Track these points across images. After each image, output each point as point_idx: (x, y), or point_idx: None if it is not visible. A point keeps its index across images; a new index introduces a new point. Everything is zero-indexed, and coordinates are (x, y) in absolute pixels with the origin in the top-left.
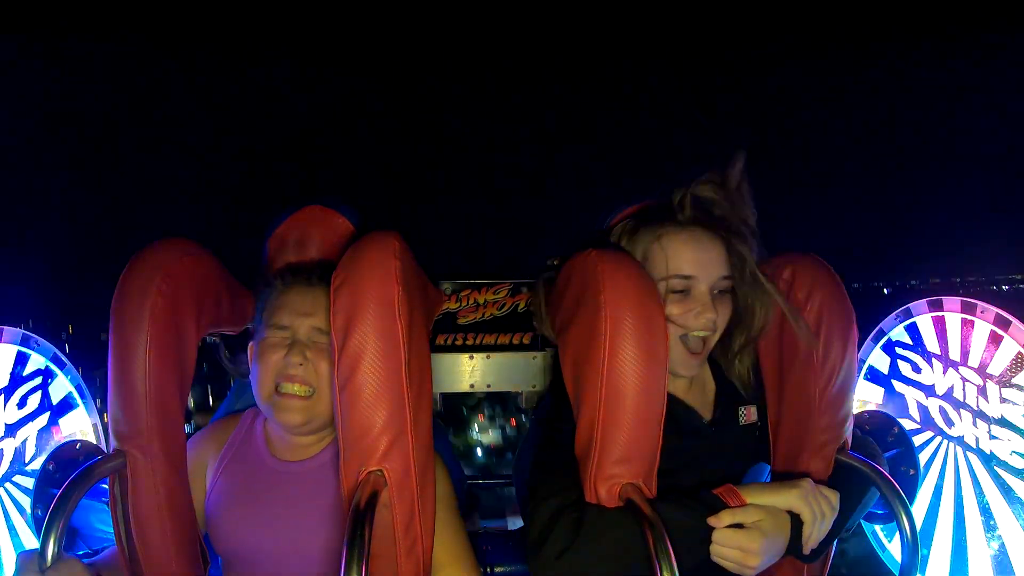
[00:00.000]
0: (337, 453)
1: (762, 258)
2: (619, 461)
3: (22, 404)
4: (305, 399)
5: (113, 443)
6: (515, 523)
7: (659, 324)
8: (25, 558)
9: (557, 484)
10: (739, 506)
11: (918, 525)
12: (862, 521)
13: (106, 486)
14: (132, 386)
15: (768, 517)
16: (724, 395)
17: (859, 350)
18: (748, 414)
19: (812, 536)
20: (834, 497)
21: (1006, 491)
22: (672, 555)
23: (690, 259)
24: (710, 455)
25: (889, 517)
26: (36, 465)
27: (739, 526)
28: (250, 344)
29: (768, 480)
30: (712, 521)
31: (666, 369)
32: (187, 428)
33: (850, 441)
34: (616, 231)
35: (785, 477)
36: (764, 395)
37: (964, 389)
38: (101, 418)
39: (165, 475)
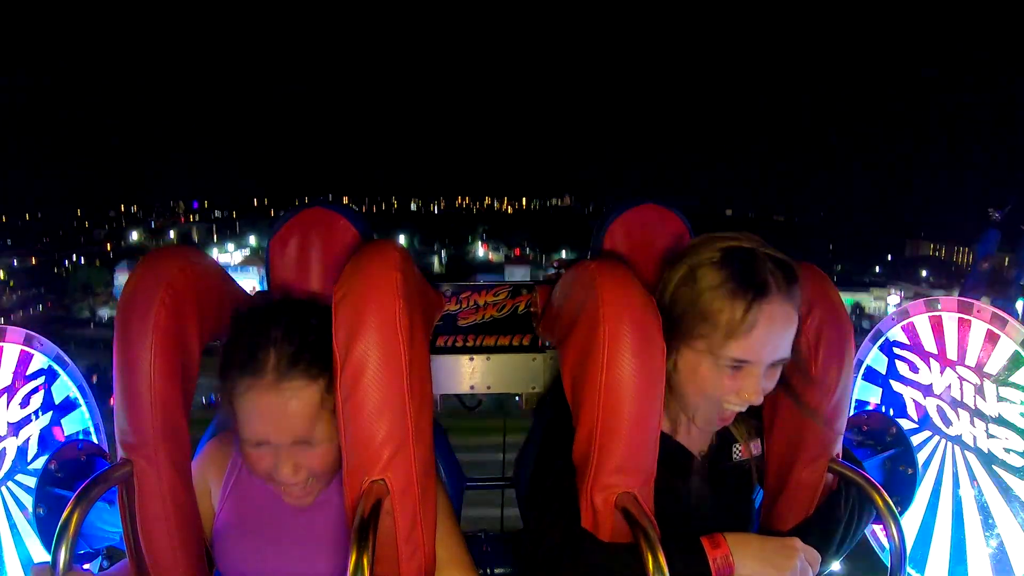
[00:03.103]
0: (340, 480)
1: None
2: (616, 471)
3: (25, 403)
4: (308, 493)
5: (120, 452)
6: (515, 525)
7: (656, 338)
8: (37, 572)
9: (558, 498)
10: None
11: (917, 525)
12: None
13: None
14: (137, 397)
15: None
16: (725, 431)
17: (857, 351)
18: (744, 450)
19: None
20: (816, 562)
21: (1004, 490)
22: (664, 565)
23: (760, 340)
24: (701, 491)
25: None
26: (38, 464)
27: None
28: (219, 397)
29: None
30: None
31: (663, 384)
32: None
33: (841, 452)
34: (677, 275)
35: (781, 477)
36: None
37: (962, 388)
38: (104, 418)
39: (171, 483)
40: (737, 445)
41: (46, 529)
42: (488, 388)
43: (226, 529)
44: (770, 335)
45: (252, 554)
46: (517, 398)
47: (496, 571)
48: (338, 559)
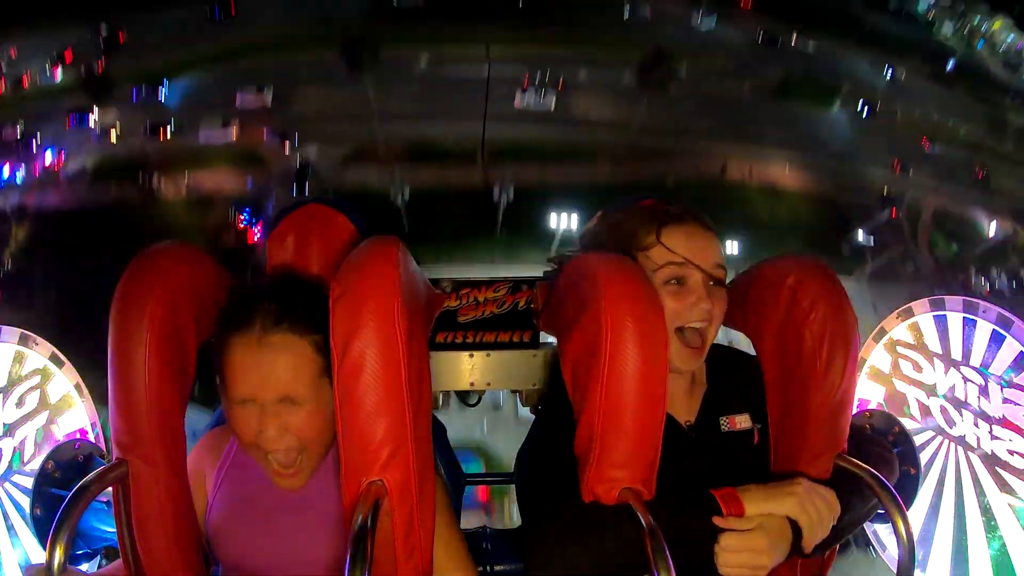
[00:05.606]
0: (335, 464)
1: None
2: (619, 466)
3: (20, 403)
4: (297, 472)
5: (115, 452)
6: (516, 521)
7: (660, 332)
8: (31, 572)
9: (556, 486)
10: (738, 515)
11: (919, 525)
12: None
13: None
14: (133, 396)
15: (768, 522)
16: (711, 401)
17: (860, 349)
18: (733, 422)
19: (814, 536)
20: (831, 496)
21: (1008, 492)
22: (670, 560)
23: (684, 247)
24: (693, 460)
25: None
26: (35, 464)
27: None
28: (217, 379)
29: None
30: (718, 521)
31: (667, 376)
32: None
33: (847, 446)
34: (612, 231)
35: (781, 477)
36: (764, 405)
37: (966, 389)
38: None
39: (167, 482)
40: (724, 418)
41: (43, 530)
42: (488, 385)
43: (220, 517)
44: (690, 241)
45: (247, 541)
46: (517, 395)
47: (497, 568)
48: (333, 547)
